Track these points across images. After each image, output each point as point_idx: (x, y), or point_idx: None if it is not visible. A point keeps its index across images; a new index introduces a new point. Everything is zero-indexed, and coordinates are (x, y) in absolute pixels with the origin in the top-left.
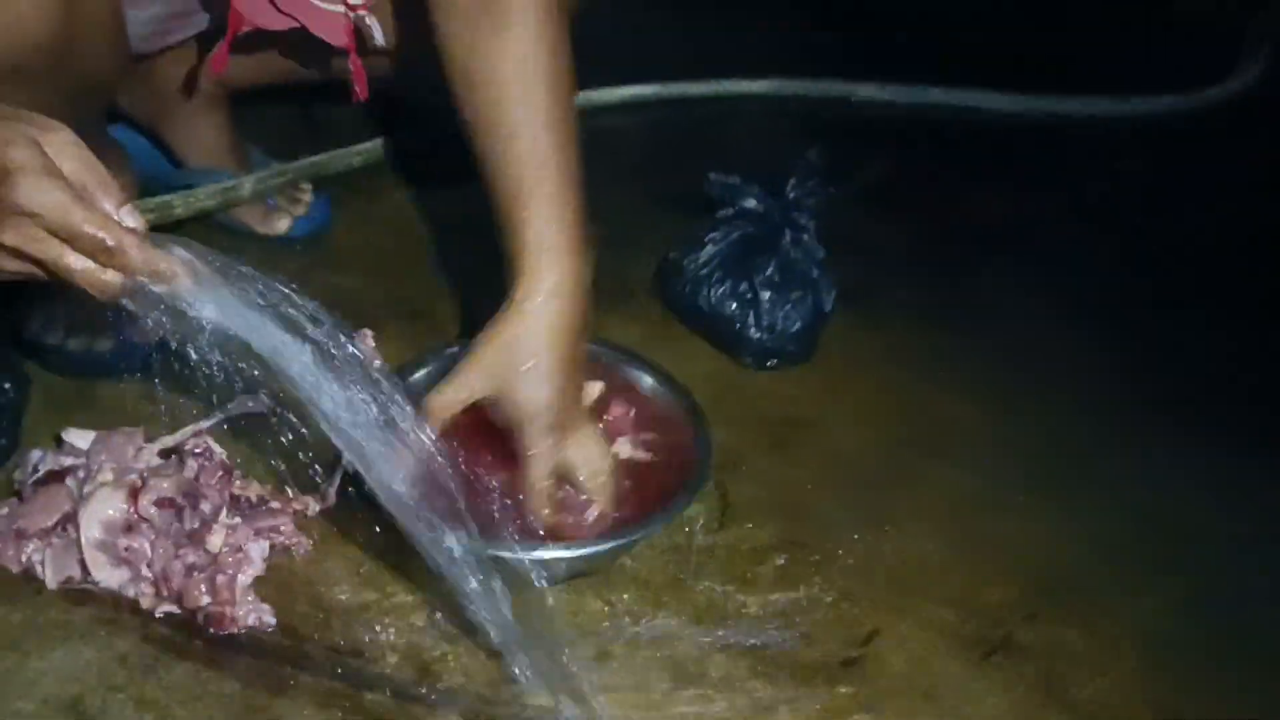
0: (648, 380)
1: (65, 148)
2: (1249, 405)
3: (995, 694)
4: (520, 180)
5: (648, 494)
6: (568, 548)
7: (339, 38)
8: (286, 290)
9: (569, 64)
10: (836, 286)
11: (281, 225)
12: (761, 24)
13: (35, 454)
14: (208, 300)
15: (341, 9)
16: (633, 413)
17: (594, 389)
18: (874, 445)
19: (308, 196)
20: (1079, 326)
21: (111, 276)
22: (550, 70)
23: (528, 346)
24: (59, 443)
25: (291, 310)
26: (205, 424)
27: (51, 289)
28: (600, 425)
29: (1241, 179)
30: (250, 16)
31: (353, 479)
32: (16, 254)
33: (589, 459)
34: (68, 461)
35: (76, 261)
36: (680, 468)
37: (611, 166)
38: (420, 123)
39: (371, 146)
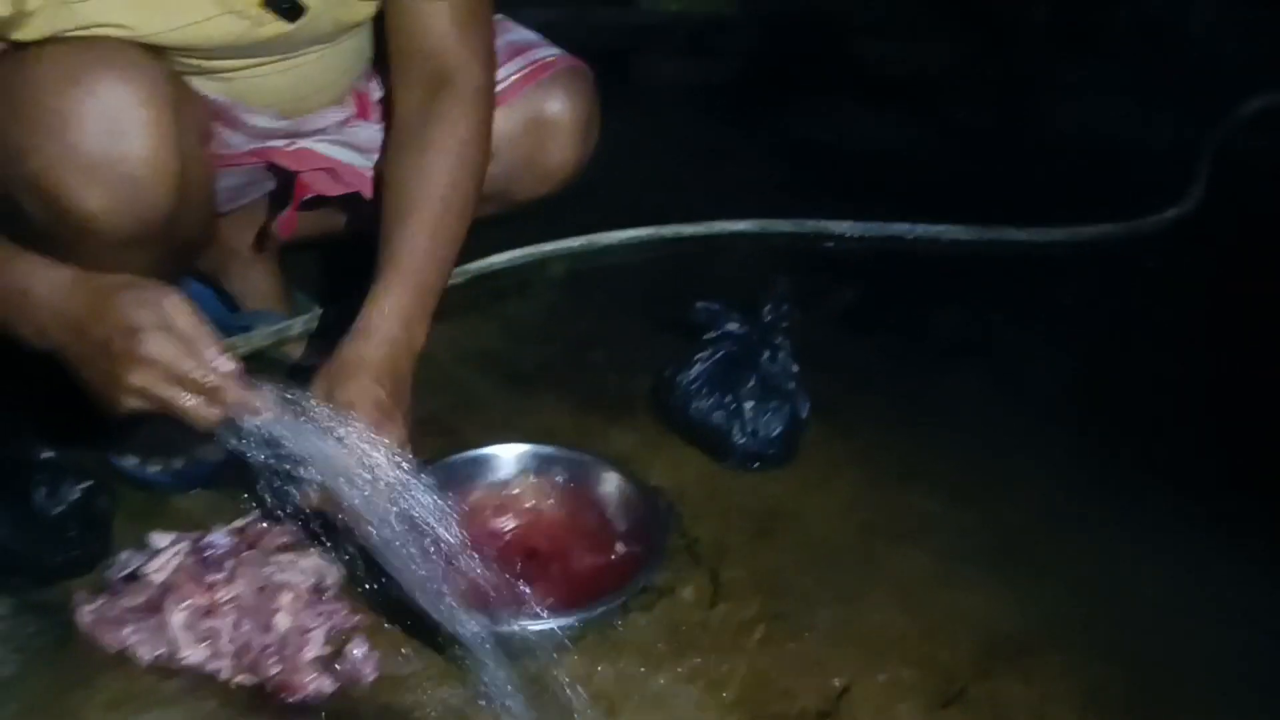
0: (617, 481)
1: (178, 307)
2: (1185, 494)
3: None
4: (392, 261)
5: (624, 574)
6: (556, 618)
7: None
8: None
9: (467, 198)
10: (811, 398)
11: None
12: (745, 171)
13: (124, 554)
14: (286, 429)
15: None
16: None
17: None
18: (846, 533)
19: None
20: (1030, 429)
21: (213, 411)
22: (446, 195)
23: (350, 363)
24: (143, 545)
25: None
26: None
27: (137, 423)
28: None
29: (1178, 295)
30: (313, 186)
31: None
32: (141, 394)
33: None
34: (153, 560)
35: (187, 400)
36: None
37: (615, 298)
38: None
39: None
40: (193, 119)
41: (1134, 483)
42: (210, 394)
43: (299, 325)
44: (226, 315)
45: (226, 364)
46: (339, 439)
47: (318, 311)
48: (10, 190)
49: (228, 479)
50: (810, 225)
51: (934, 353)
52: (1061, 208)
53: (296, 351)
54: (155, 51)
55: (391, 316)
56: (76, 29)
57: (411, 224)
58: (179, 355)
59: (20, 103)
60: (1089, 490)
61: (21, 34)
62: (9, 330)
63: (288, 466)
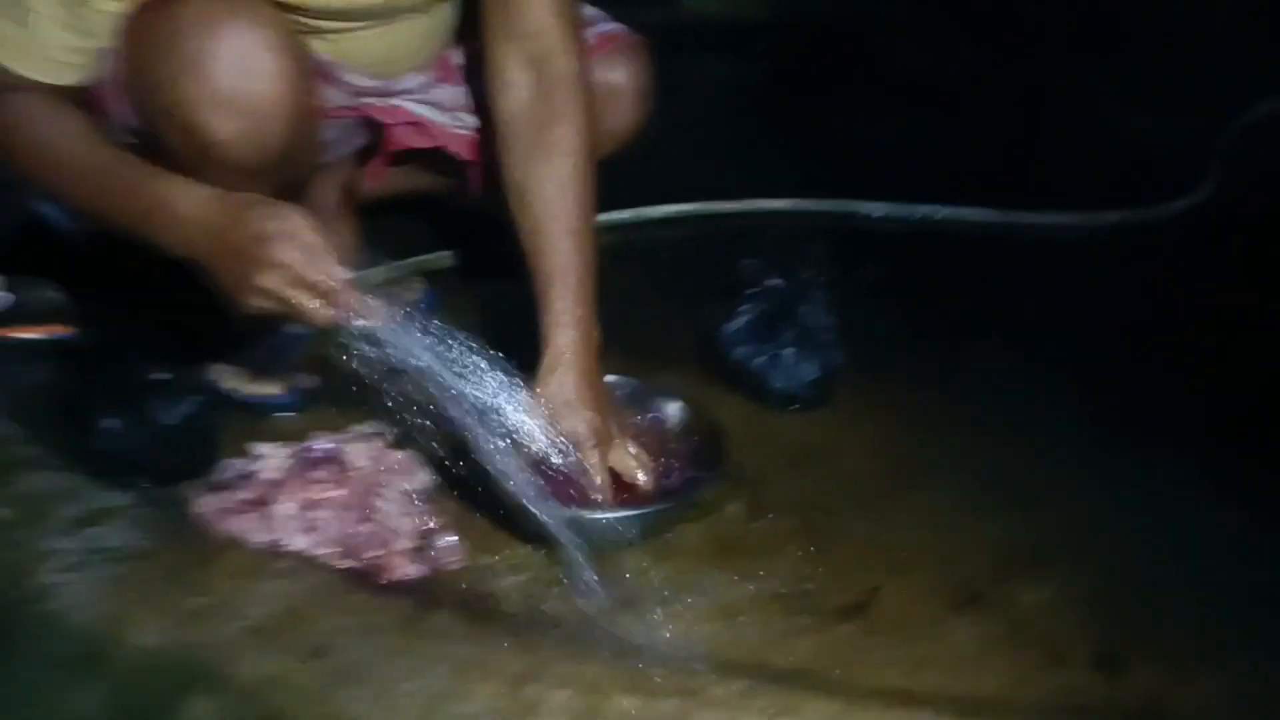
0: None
1: (303, 222)
2: (1182, 442)
3: (967, 631)
4: (550, 273)
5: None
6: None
7: (465, 150)
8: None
9: (594, 190)
10: (844, 350)
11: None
12: (779, 159)
13: (232, 461)
14: (390, 334)
15: (470, 132)
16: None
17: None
18: (876, 466)
19: (419, 286)
20: (1043, 384)
21: (329, 312)
22: (579, 195)
23: (559, 396)
24: (246, 454)
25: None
26: (368, 429)
27: (242, 349)
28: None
29: (1184, 279)
30: (402, 140)
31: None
32: (268, 294)
33: (625, 466)
34: (261, 461)
35: (308, 301)
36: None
37: (661, 265)
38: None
39: (454, 253)
40: (304, 59)
41: (1136, 430)
42: (327, 296)
43: (377, 277)
44: None
45: (343, 272)
46: (438, 349)
47: (392, 265)
48: (152, 119)
49: (318, 403)
50: (842, 205)
51: (957, 320)
52: (1078, 198)
53: None
54: (277, 8)
55: (576, 332)
56: None
57: (563, 234)
58: (303, 261)
59: (165, 45)
60: (1096, 436)
61: None
62: (151, 239)
63: (390, 368)
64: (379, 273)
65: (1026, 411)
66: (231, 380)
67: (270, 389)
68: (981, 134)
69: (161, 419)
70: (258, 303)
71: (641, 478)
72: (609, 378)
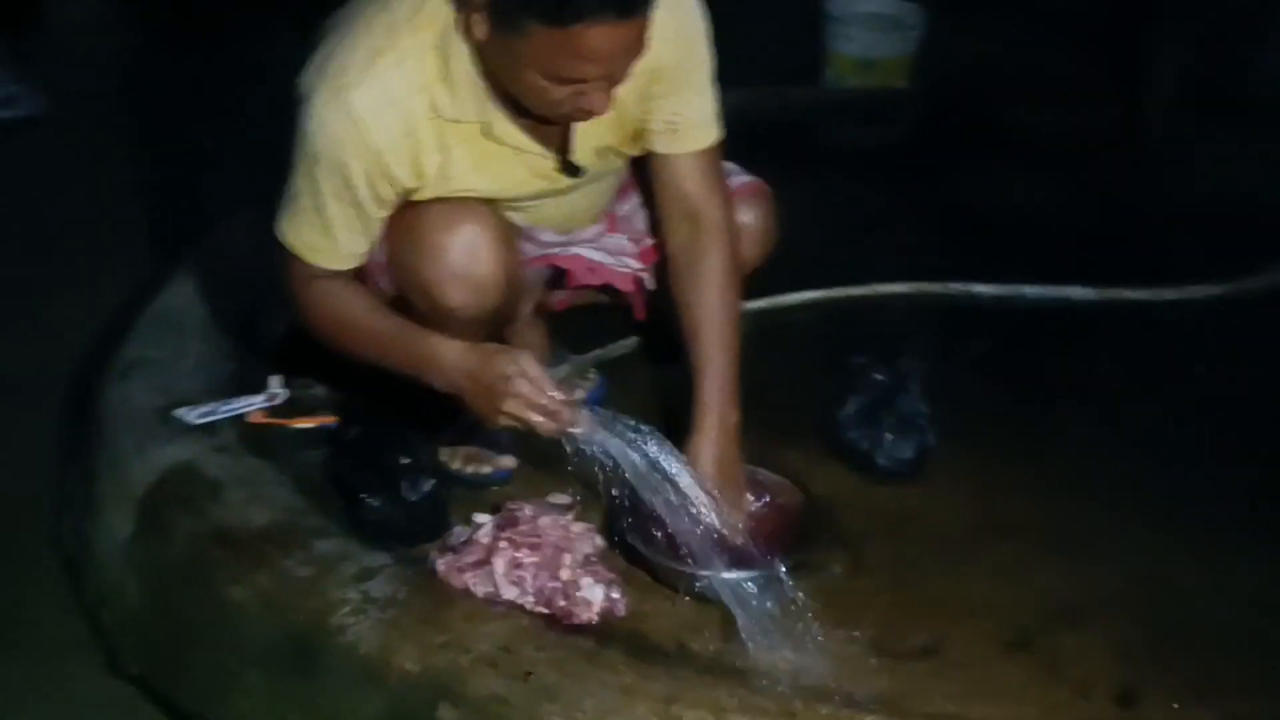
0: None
1: (531, 362)
2: (1245, 520)
3: (1014, 671)
4: (701, 371)
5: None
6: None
7: (629, 286)
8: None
9: (737, 304)
10: (938, 428)
11: (579, 395)
12: (903, 234)
13: (458, 528)
14: (601, 439)
15: (631, 271)
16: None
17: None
18: (958, 530)
19: (594, 377)
20: (1126, 461)
21: (552, 424)
22: (727, 311)
23: (703, 467)
24: (469, 522)
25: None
26: (558, 499)
27: (464, 436)
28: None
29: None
30: (580, 279)
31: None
32: (510, 416)
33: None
34: (480, 530)
35: (537, 420)
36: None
37: (791, 347)
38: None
39: (629, 343)
40: (512, 242)
41: (1203, 506)
42: (553, 416)
43: (563, 371)
44: None
45: (562, 396)
46: (639, 450)
47: (573, 359)
48: (405, 289)
49: (519, 478)
50: (955, 287)
51: (1049, 395)
52: (1197, 265)
53: None
54: (492, 202)
55: (716, 418)
56: (448, 192)
57: (712, 340)
58: (534, 391)
59: (414, 237)
60: (1157, 500)
61: (417, 196)
62: (424, 380)
63: (597, 463)
64: (563, 369)
65: (1100, 478)
66: (456, 461)
67: (485, 468)
68: (1101, 196)
69: (409, 496)
70: (504, 422)
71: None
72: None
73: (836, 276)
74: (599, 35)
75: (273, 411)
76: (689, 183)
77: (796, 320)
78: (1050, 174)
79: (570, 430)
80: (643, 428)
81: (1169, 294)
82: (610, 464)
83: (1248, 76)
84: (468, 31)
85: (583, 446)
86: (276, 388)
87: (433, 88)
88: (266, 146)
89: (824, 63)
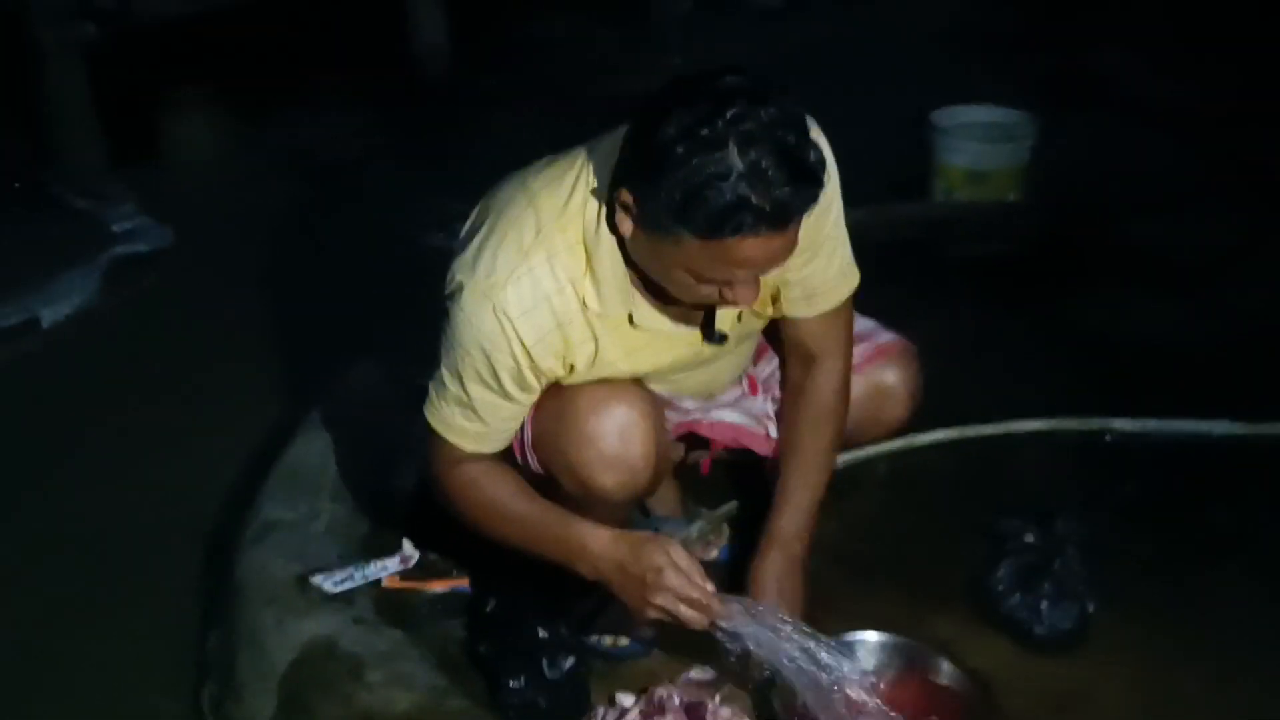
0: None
1: (680, 553)
2: None
3: None
4: (781, 502)
5: None
6: None
7: (768, 450)
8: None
9: (831, 458)
10: (1097, 588)
11: (713, 553)
12: (1030, 364)
13: (600, 709)
14: (752, 631)
15: (765, 431)
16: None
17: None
18: (1125, 706)
19: (726, 531)
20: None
21: (701, 617)
22: (820, 462)
23: (764, 589)
24: (612, 700)
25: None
26: (700, 676)
27: (599, 613)
28: None
29: None
30: (721, 442)
31: None
32: (660, 609)
33: None
34: (628, 713)
35: (687, 612)
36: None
37: (929, 494)
38: None
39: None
40: (661, 419)
41: None
42: (701, 608)
43: (696, 529)
44: (639, 520)
45: (710, 589)
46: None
47: (707, 515)
48: (552, 470)
49: (657, 650)
50: (1095, 423)
51: (1204, 545)
52: None
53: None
54: (640, 379)
55: (785, 549)
56: (597, 376)
57: (799, 485)
58: (684, 585)
59: (564, 420)
60: None
61: (566, 382)
62: (571, 568)
63: (741, 647)
64: (696, 526)
65: (1269, 644)
66: (594, 636)
67: (623, 640)
68: (1235, 320)
69: (550, 674)
70: (653, 614)
71: None
72: (877, 636)
73: (963, 409)
74: (753, 246)
75: (405, 574)
76: (811, 336)
77: (929, 461)
78: (1177, 292)
79: (720, 622)
80: (789, 619)
81: None
82: (759, 653)
83: None
84: (613, 225)
85: (731, 639)
86: (409, 549)
87: (580, 283)
88: (389, 279)
89: (933, 175)
